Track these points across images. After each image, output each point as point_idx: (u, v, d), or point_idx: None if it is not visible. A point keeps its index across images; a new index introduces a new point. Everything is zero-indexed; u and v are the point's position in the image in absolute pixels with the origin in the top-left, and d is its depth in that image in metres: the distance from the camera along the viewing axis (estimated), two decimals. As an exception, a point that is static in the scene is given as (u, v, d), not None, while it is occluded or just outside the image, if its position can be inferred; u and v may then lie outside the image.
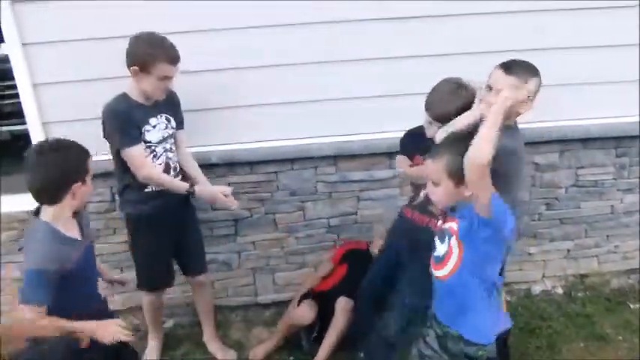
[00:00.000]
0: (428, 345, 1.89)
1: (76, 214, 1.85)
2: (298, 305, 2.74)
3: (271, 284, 3.16)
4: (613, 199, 3.18)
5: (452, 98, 2.04)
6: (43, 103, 2.67)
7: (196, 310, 2.86)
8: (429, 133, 2.15)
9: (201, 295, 2.79)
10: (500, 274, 1.87)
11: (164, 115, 2.41)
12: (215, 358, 2.80)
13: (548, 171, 3.07)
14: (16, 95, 2.69)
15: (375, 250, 2.78)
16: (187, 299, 3.03)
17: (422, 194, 2.23)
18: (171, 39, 2.26)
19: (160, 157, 2.40)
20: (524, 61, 1.93)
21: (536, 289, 3.27)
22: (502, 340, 1.88)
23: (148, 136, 2.34)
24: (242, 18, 2.61)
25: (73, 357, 1.80)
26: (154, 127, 2.36)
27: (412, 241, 2.27)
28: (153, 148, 2.37)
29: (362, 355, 2.53)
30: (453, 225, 1.78)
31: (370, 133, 2.89)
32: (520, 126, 2.03)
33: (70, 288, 1.73)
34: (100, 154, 2.35)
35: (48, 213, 1.76)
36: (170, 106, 2.44)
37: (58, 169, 1.71)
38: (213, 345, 2.84)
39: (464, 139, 1.61)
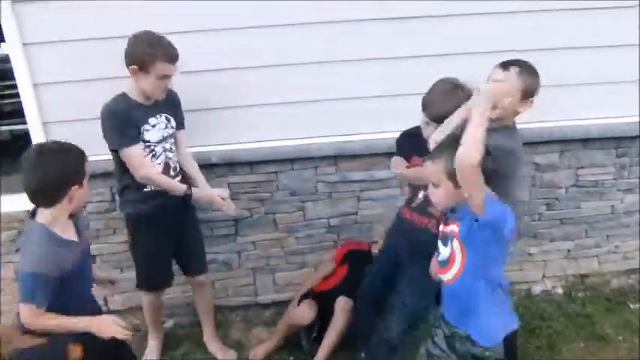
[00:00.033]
0: (436, 345, 1.90)
1: (73, 216, 1.84)
2: (298, 305, 2.74)
3: (271, 284, 3.16)
4: (613, 199, 3.18)
5: (448, 98, 2.03)
6: (44, 103, 2.67)
7: (196, 310, 2.86)
8: (425, 134, 2.13)
9: (201, 295, 2.79)
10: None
11: (164, 115, 2.41)
12: (215, 358, 2.80)
13: (548, 171, 3.07)
14: (17, 95, 2.69)
15: (376, 250, 2.78)
16: (187, 299, 3.03)
17: (421, 195, 2.23)
18: (171, 39, 2.26)
19: (159, 156, 2.40)
20: (524, 61, 1.93)
21: (537, 289, 3.27)
22: (510, 340, 1.88)
23: (147, 136, 2.33)
24: (242, 18, 2.61)
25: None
26: (154, 126, 2.35)
27: (411, 242, 2.27)
28: (152, 147, 2.36)
29: (363, 355, 2.53)
30: (454, 228, 1.78)
31: (370, 133, 2.88)
32: (519, 126, 2.03)
33: (65, 289, 1.73)
34: (100, 154, 2.36)
35: (44, 215, 1.75)
36: (170, 105, 2.44)
37: (57, 170, 1.71)
38: (213, 345, 2.84)
39: None
